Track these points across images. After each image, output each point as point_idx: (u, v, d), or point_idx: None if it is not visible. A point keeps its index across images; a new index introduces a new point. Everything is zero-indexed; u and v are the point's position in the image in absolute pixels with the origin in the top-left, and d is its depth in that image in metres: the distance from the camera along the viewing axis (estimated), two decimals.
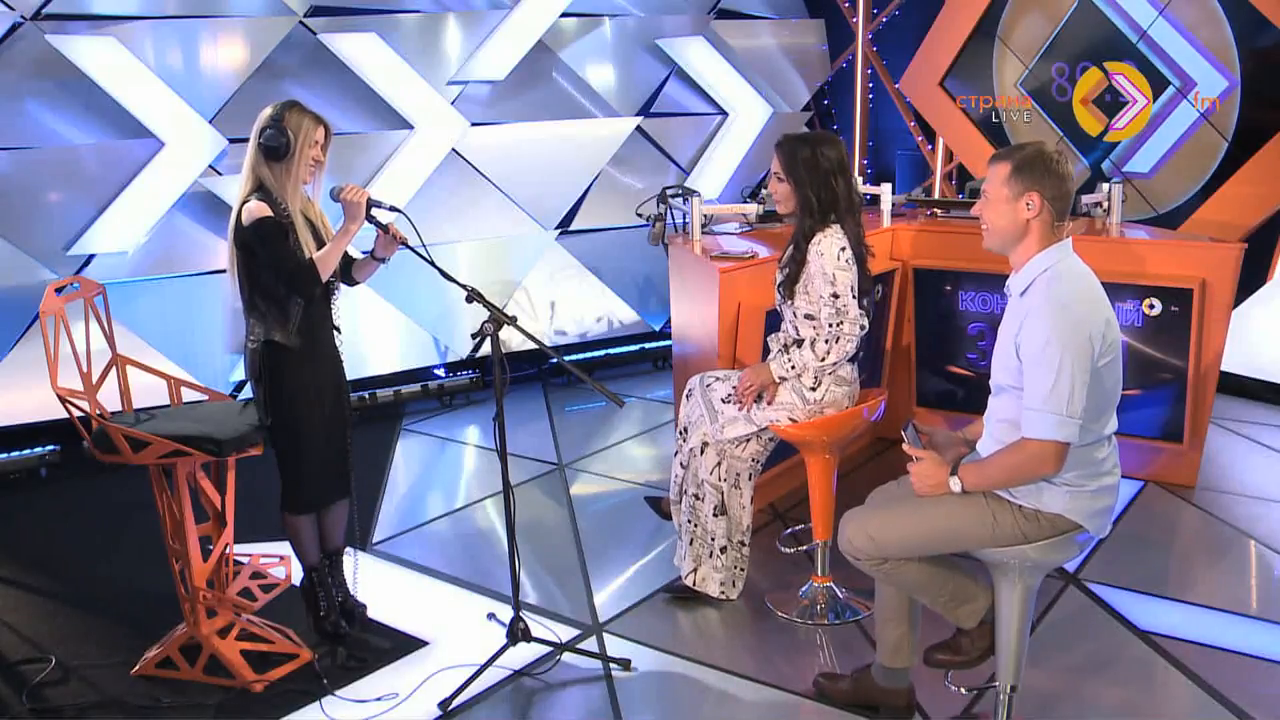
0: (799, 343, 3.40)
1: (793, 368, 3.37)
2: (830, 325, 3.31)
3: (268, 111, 3.13)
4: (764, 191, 4.95)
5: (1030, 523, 2.54)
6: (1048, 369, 2.41)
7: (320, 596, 3.41)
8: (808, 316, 3.37)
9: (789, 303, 3.39)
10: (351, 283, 3.40)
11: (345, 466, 3.37)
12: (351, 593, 3.52)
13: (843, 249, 3.31)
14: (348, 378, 3.42)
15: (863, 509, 2.76)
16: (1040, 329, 2.44)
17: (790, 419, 3.39)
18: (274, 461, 3.28)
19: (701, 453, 3.53)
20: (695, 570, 3.59)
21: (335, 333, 3.33)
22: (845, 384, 3.42)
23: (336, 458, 3.34)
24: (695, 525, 3.58)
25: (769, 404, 3.40)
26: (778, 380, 3.39)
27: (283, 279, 3.10)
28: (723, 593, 3.58)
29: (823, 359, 3.32)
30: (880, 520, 2.68)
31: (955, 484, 2.57)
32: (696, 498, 3.56)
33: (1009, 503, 2.56)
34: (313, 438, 3.25)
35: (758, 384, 3.39)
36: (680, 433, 3.63)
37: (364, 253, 3.40)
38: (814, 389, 3.38)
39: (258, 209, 3.07)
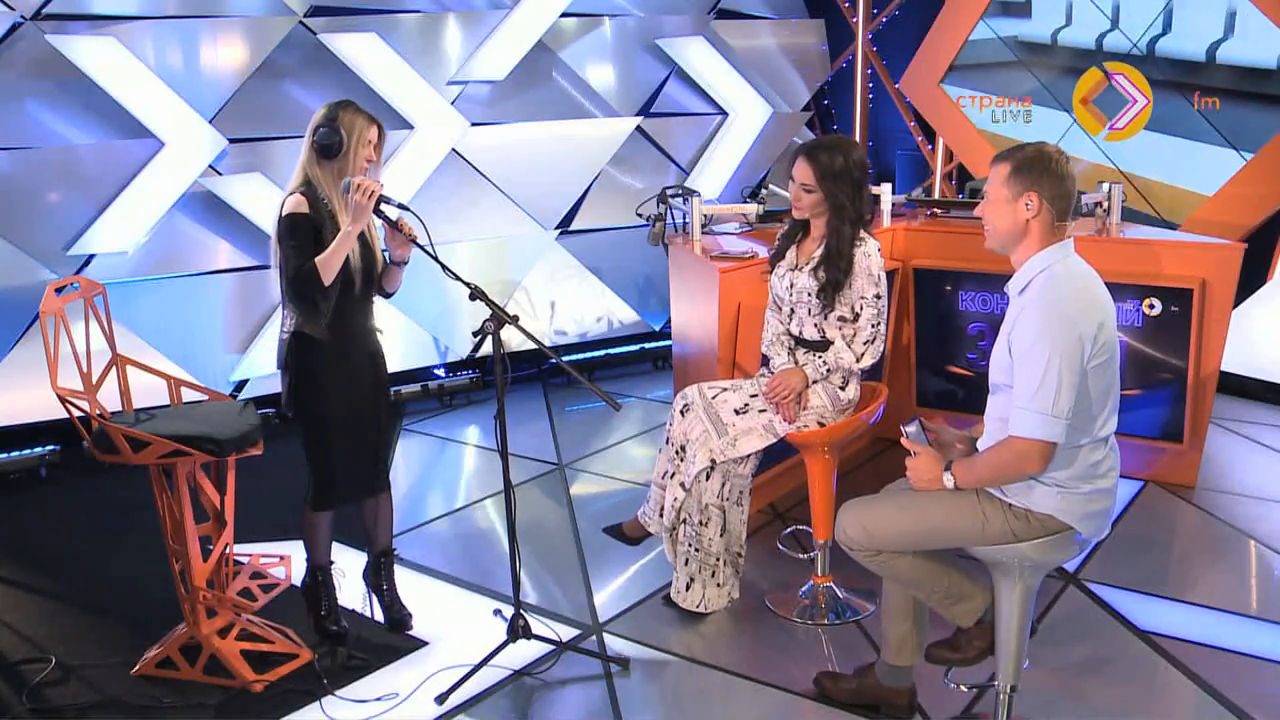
0: (818, 345, 3.38)
1: (827, 370, 3.35)
2: (871, 326, 3.31)
3: (322, 111, 3.15)
4: (764, 191, 4.96)
5: (1020, 522, 2.55)
6: (1035, 367, 2.41)
7: (322, 596, 3.40)
8: (841, 319, 3.36)
9: (828, 309, 3.34)
10: (384, 294, 3.35)
11: (377, 465, 3.34)
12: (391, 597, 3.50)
13: (880, 248, 3.33)
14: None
15: (860, 500, 2.77)
16: (1030, 327, 2.45)
17: (820, 422, 3.37)
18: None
19: (708, 477, 3.39)
20: (697, 590, 3.50)
21: (378, 332, 3.31)
22: (860, 382, 3.43)
23: (366, 455, 3.32)
24: (699, 550, 3.46)
25: (803, 408, 3.37)
26: (812, 383, 3.37)
27: (287, 279, 3.10)
28: (728, 602, 3.56)
29: (859, 358, 3.32)
30: (875, 512, 2.70)
31: (949, 480, 2.58)
32: (701, 523, 3.43)
33: (1000, 501, 2.57)
34: (337, 434, 3.22)
35: (794, 388, 3.34)
36: (676, 451, 3.44)
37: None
38: (844, 388, 3.38)
39: (295, 203, 3.08)
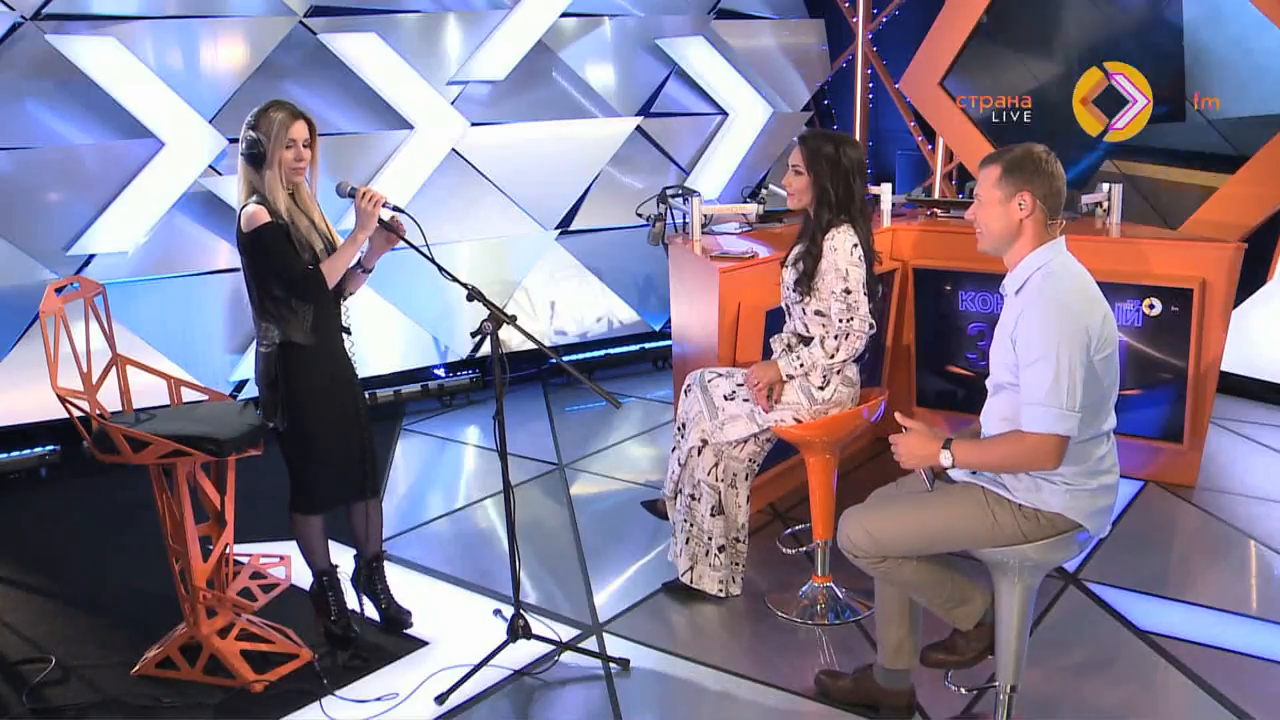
0: (805, 341, 3.39)
1: (801, 366, 3.36)
2: (841, 321, 3.30)
3: (251, 115, 3.09)
4: (764, 191, 4.97)
5: (1030, 522, 2.55)
6: (1047, 364, 2.41)
7: (330, 601, 3.39)
8: (818, 313, 3.36)
9: (805, 299, 3.37)
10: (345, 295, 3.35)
11: (362, 466, 3.33)
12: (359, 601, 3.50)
13: (855, 245, 3.32)
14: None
15: (862, 506, 2.76)
16: (1037, 324, 2.45)
17: (795, 419, 3.39)
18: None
19: (699, 453, 3.52)
20: (692, 568, 3.60)
21: (346, 335, 3.30)
22: (851, 384, 3.43)
23: (351, 458, 3.31)
24: (691, 525, 3.57)
25: (776, 402, 3.39)
26: (785, 378, 3.39)
27: (288, 286, 3.10)
28: (721, 590, 3.59)
29: (832, 356, 3.32)
30: (880, 518, 2.69)
31: (946, 457, 2.54)
32: (693, 498, 3.55)
33: (1009, 501, 2.57)
34: (325, 437, 3.22)
35: (765, 381, 3.38)
36: (679, 428, 3.62)
37: None
38: (822, 388, 3.38)
39: (256, 214, 3.05)
